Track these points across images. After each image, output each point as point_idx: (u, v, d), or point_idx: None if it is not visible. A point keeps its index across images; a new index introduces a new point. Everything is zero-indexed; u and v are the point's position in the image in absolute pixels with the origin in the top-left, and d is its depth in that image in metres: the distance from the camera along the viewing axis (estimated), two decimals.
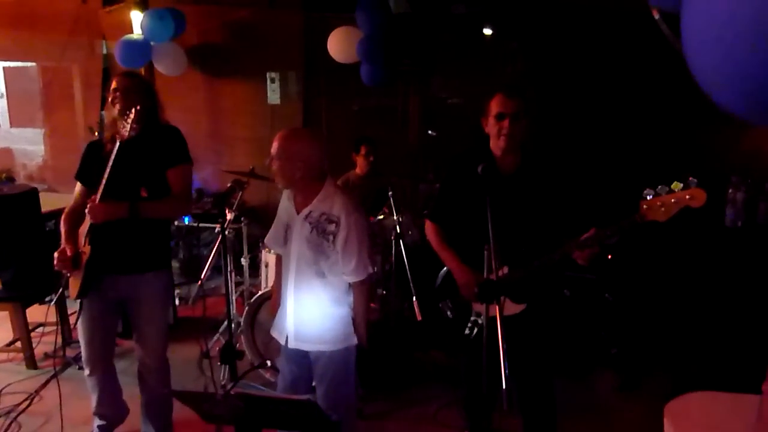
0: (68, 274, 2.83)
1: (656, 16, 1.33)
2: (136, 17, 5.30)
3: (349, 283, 2.62)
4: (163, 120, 2.95)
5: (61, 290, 3.00)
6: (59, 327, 4.27)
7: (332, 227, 2.49)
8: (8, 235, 4.03)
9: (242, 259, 4.67)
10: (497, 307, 2.08)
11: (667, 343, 4.01)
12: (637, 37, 4.76)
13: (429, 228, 2.82)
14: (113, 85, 2.82)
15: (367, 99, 5.51)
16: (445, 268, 2.80)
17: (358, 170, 4.73)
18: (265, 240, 2.82)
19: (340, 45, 4.89)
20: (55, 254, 2.79)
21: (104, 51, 6.24)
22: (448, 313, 2.78)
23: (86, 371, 2.98)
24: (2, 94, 9.18)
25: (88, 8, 6.07)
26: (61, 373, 4.00)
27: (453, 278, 2.70)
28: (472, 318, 2.69)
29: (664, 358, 4.00)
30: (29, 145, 7.38)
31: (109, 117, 2.84)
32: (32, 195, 4.24)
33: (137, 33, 5.29)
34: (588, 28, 5.00)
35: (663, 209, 2.20)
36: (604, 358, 4.10)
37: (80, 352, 3.72)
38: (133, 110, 2.63)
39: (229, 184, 2.58)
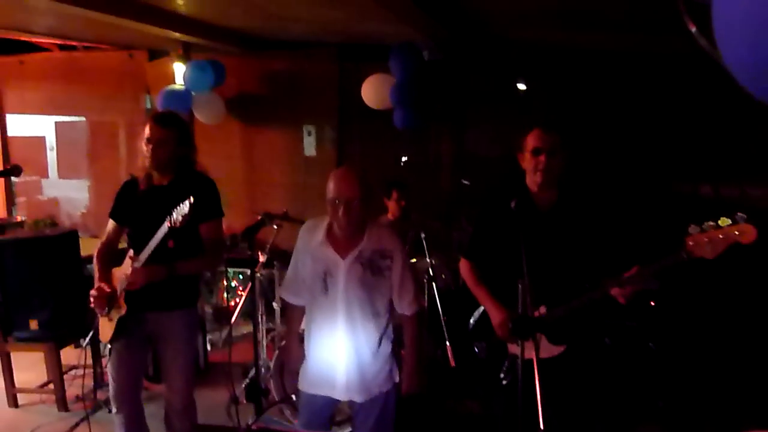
0: (102, 314, 2.85)
1: (692, 29, 1.29)
2: (179, 68, 5.53)
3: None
4: (198, 166, 2.97)
5: (93, 332, 3.00)
6: (93, 370, 4.32)
7: (387, 262, 2.44)
8: (48, 276, 4.10)
9: (274, 304, 4.64)
10: (533, 345, 2.00)
11: (718, 394, 3.77)
12: (678, 78, 4.75)
13: (464, 266, 2.75)
14: (147, 133, 2.78)
15: (400, 145, 5.55)
16: (480, 308, 2.71)
17: (389, 215, 4.70)
18: (284, 293, 2.67)
19: (373, 91, 4.98)
20: (92, 292, 2.80)
21: (148, 105, 6.47)
22: (483, 355, 2.68)
23: (114, 408, 2.95)
24: (53, 147, 9.63)
25: (134, 62, 6.39)
26: (92, 416, 3.97)
27: (488, 318, 2.61)
28: (507, 361, 2.59)
29: (714, 411, 3.75)
30: (74, 193, 7.65)
31: (143, 159, 2.83)
32: (72, 237, 4.33)
33: (179, 83, 5.50)
34: (623, 76, 4.99)
35: (710, 246, 2.09)
36: (649, 412, 3.87)
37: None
38: (188, 203, 2.51)
39: (258, 218, 2.55)
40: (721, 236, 2.07)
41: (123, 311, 2.79)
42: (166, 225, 2.56)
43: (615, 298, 2.32)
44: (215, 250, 2.90)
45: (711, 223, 2.10)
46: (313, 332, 2.55)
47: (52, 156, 9.31)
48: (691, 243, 2.12)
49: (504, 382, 2.58)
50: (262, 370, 4.03)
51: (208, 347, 5.06)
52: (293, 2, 4.04)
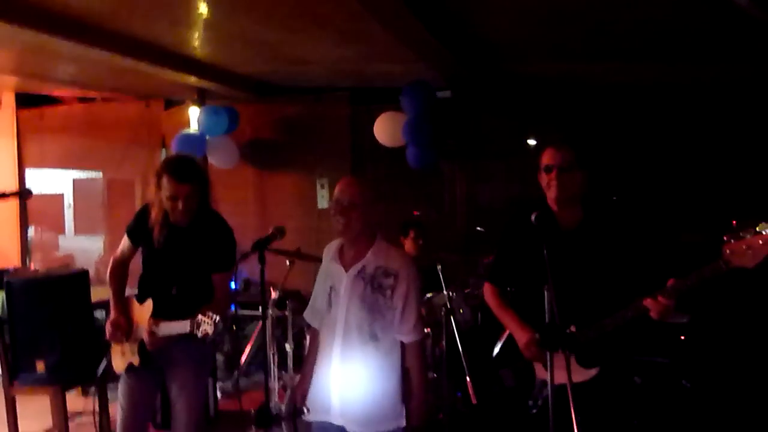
0: (118, 343, 2.88)
1: None
2: (194, 113, 5.61)
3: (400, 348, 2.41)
4: (213, 204, 2.94)
5: (106, 361, 3.00)
6: (99, 418, 4.17)
7: (390, 281, 2.35)
8: (57, 317, 4.00)
9: (286, 345, 4.50)
10: (563, 365, 1.86)
11: None
12: (706, 111, 4.70)
13: (488, 290, 2.67)
14: (171, 190, 2.69)
15: (413, 185, 5.51)
16: (505, 334, 2.59)
17: None
18: (305, 314, 2.65)
19: (386, 128, 5.00)
20: (108, 325, 2.83)
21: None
22: (510, 382, 2.53)
23: None
24: (70, 204, 9.74)
25: (151, 111, 6.49)
26: None
27: (514, 344, 2.48)
28: (536, 387, 2.44)
29: None
30: (90, 244, 7.66)
31: (158, 201, 2.78)
32: (82, 278, 4.26)
33: (194, 128, 5.57)
34: (643, 111, 4.95)
35: (750, 253, 1.97)
36: None
37: None
38: (213, 325, 2.52)
39: (270, 231, 2.47)
40: (761, 242, 1.96)
41: (134, 361, 2.81)
42: (187, 328, 2.56)
43: (647, 314, 2.19)
44: (225, 299, 2.93)
45: (750, 229, 2.00)
46: (319, 353, 2.48)
47: (69, 213, 9.43)
48: (728, 251, 2.01)
49: (533, 411, 2.42)
50: (273, 412, 3.85)
51: (219, 395, 4.89)
52: (308, 42, 4.10)
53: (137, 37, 4.15)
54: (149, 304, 2.81)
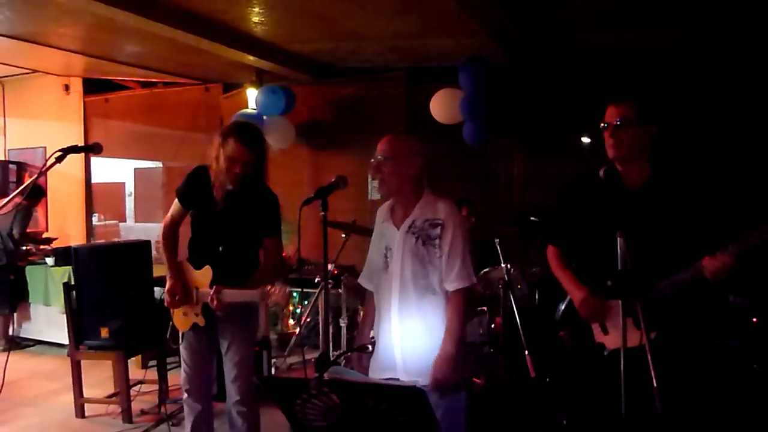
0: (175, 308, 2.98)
1: None
2: (252, 94, 5.70)
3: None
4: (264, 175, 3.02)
5: (171, 324, 3.08)
6: (158, 386, 4.30)
7: (437, 230, 2.33)
8: (120, 285, 4.14)
9: (340, 320, 4.52)
10: (629, 322, 1.77)
11: None
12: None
13: (551, 252, 2.60)
14: (235, 152, 2.73)
15: (468, 164, 5.42)
16: (567, 299, 2.52)
17: None
18: (360, 279, 2.67)
19: (442, 105, 4.93)
20: (165, 294, 2.92)
21: None
22: (569, 345, 2.46)
23: (185, 394, 3.00)
24: (131, 193, 10.08)
25: (210, 95, 6.64)
26: (154, 429, 3.92)
27: (574, 307, 2.41)
28: (595, 351, 2.36)
29: None
30: (148, 230, 7.89)
31: (219, 169, 2.80)
32: (145, 247, 4.40)
33: (251, 107, 5.66)
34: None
35: None
36: None
37: (176, 410, 4.00)
38: (287, 289, 2.72)
39: (333, 179, 2.46)
40: None
41: (198, 321, 2.93)
42: (257, 298, 2.71)
43: (703, 275, 2.09)
44: (279, 263, 3.05)
45: None
46: (378, 314, 2.47)
47: (130, 201, 9.77)
48: None
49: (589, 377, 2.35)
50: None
51: (273, 371, 4.94)
52: (365, 12, 4.06)
53: (198, 13, 4.24)
54: (208, 270, 2.88)
